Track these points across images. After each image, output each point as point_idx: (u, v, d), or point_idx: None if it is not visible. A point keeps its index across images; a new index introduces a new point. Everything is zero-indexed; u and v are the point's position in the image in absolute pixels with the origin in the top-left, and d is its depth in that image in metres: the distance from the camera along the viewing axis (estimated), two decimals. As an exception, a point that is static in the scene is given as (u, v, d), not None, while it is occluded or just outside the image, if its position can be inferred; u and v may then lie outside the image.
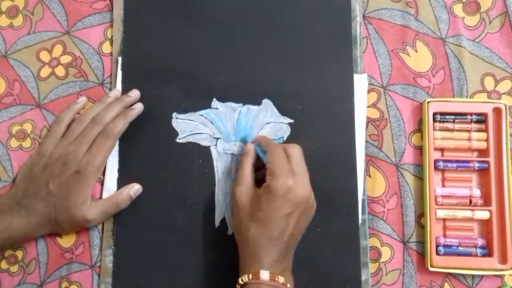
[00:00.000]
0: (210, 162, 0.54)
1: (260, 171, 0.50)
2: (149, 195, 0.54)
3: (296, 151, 0.48)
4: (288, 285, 0.45)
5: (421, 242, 0.53)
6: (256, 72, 0.56)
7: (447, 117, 0.54)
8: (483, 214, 0.52)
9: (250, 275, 0.45)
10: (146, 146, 0.54)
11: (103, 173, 0.54)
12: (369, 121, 0.55)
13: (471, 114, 0.54)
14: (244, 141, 0.54)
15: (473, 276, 0.52)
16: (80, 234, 0.54)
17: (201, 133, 0.55)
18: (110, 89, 0.56)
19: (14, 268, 0.54)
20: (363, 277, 0.52)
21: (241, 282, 0.45)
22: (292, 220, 0.46)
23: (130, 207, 0.53)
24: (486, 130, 0.53)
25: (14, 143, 0.56)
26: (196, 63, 0.56)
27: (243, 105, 0.55)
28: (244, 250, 0.47)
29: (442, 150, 0.54)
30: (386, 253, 0.53)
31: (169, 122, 0.55)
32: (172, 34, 0.56)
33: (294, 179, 0.46)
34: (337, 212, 0.52)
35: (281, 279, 0.45)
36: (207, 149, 0.54)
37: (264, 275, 0.44)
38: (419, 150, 0.55)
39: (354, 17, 0.56)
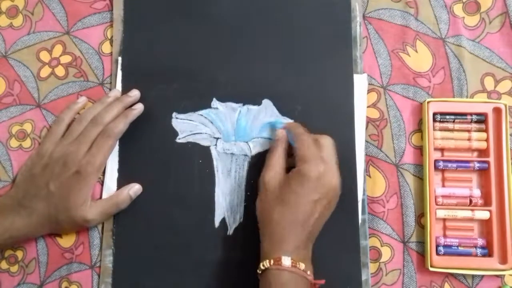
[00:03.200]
0: (210, 162, 0.54)
1: (290, 158, 0.50)
2: (149, 195, 0.54)
3: (328, 141, 0.49)
4: (308, 272, 0.45)
5: (421, 242, 0.53)
6: (256, 72, 0.56)
7: (447, 117, 0.54)
8: (483, 214, 0.52)
9: (272, 261, 0.44)
10: (146, 146, 0.54)
11: (103, 173, 0.54)
12: (369, 121, 0.55)
13: (471, 114, 0.53)
14: (273, 126, 0.54)
15: (473, 276, 0.52)
16: (80, 234, 0.54)
17: (201, 133, 0.55)
18: (110, 89, 0.56)
19: (14, 268, 0.54)
20: (363, 277, 0.52)
21: (263, 268, 0.45)
22: (319, 207, 0.46)
23: (130, 207, 0.53)
24: (486, 130, 0.53)
25: (14, 143, 0.56)
26: (196, 63, 0.56)
27: (243, 105, 0.55)
28: (267, 235, 0.47)
29: (442, 150, 0.54)
30: (386, 253, 0.53)
31: (169, 122, 0.55)
32: (172, 34, 0.57)
33: (325, 166, 0.46)
34: (337, 212, 0.52)
35: (302, 266, 0.44)
36: (207, 149, 0.54)
37: (286, 261, 0.44)
38: (419, 150, 0.55)
39: (354, 17, 0.56)
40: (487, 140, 0.53)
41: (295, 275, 0.44)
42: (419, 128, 0.55)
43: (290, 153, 0.50)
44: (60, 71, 0.57)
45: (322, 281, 0.47)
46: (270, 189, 0.47)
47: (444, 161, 0.53)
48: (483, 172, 0.53)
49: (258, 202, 0.49)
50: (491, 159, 0.53)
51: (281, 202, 0.46)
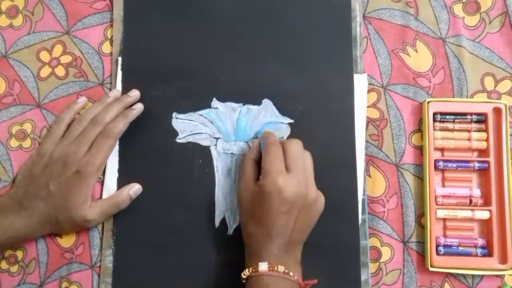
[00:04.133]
0: (210, 162, 0.54)
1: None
2: (149, 195, 0.54)
3: (292, 146, 0.48)
4: (291, 273, 0.45)
5: (421, 242, 0.53)
6: (256, 72, 0.55)
7: (447, 117, 0.54)
8: (483, 214, 0.52)
9: (251, 269, 0.46)
10: (146, 146, 0.54)
11: (103, 173, 0.54)
12: (369, 121, 0.55)
13: (471, 114, 0.53)
14: (255, 137, 0.54)
15: (473, 276, 0.52)
16: (80, 234, 0.54)
17: (201, 133, 0.55)
18: (110, 89, 0.56)
19: (14, 268, 0.54)
20: (363, 277, 0.52)
21: (244, 277, 0.46)
22: (291, 217, 0.46)
23: (130, 207, 0.53)
24: (486, 130, 0.53)
25: (14, 143, 0.56)
26: (196, 63, 0.56)
27: (243, 105, 0.55)
28: (246, 247, 0.48)
29: (442, 150, 0.54)
30: (386, 253, 0.53)
31: (169, 122, 0.55)
32: (172, 34, 0.56)
33: (285, 177, 0.46)
34: (337, 212, 0.52)
35: (281, 268, 0.45)
36: (207, 149, 0.54)
37: (262, 266, 0.45)
38: (419, 150, 0.55)
39: (354, 17, 0.56)
40: (487, 140, 0.53)
41: (274, 278, 0.45)
42: (419, 128, 0.55)
43: None
44: (60, 71, 0.57)
45: (314, 281, 0.47)
46: (242, 203, 0.49)
47: (444, 161, 0.53)
48: (483, 172, 0.53)
49: (239, 214, 0.51)
50: (491, 159, 0.53)
51: (252, 217, 0.47)
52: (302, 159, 0.48)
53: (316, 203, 0.48)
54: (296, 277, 0.46)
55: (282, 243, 0.46)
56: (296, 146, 0.49)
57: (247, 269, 0.46)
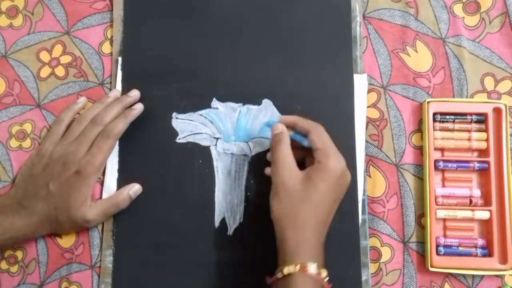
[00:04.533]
0: (210, 162, 0.54)
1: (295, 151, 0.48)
2: (149, 195, 0.54)
3: (322, 130, 0.48)
4: (327, 279, 0.44)
5: (421, 242, 0.53)
6: (256, 72, 0.56)
7: (447, 117, 0.54)
8: (483, 214, 0.52)
9: (298, 266, 0.42)
10: (146, 146, 0.54)
11: (103, 173, 0.54)
12: (369, 121, 0.55)
13: (471, 114, 0.54)
14: (268, 125, 0.51)
15: (473, 276, 0.52)
16: (80, 234, 0.54)
17: (201, 133, 0.55)
18: (110, 89, 0.56)
19: (14, 269, 0.54)
20: (363, 277, 0.52)
21: (286, 272, 0.43)
22: (336, 205, 0.46)
23: (130, 207, 0.53)
24: (486, 130, 0.53)
25: (14, 143, 0.56)
26: (196, 63, 0.56)
27: (243, 105, 0.55)
28: (289, 236, 0.44)
29: (442, 150, 0.54)
30: (386, 253, 0.53)
31: (169, 122, 0.55)
32: (172, 34, 0.57)
33: (344, 162, 0.46)
34: (337, 212, 0.52)
35: (323, 273, 0.43)
36: (207, 149, 0.54)
37: (312, 268, 0.42)
38: (419, 150, 0.55)
39: (354, 17, 0.56)
40: (487, 140, 0.53)
41: (318, 284, 0.43)
42: (419, 128, 0.55)
43: (293, 147, 0.48)
44: (60, 71, 0.57)
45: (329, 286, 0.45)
46: (290, 189, 0.45)
47: (444, 161, 0.53)
48: (483, 172, 0.53)
49: (277, 204, 0.46)
50: (491, 159, 0.53)
51: (307, 200, 0.44)
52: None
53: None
54: (329, 286, 0.44)
55: (321, 235, 0.45)
56: (323, 129, 0.48)
57: (292, 266, 0.42)
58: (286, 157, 0.47)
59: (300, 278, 0.42)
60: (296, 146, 0.48)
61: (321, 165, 0.45)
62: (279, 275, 0.44)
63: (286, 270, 0.43)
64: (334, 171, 0.45)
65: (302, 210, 0.44)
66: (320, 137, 0.47)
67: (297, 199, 0.45)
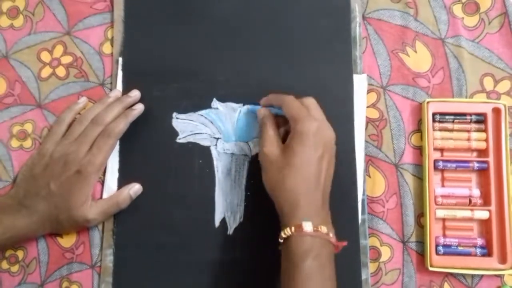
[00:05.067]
0: (210, 162, 0.54)
1: (280, 129, 0.51)
2: (149, 195, 0.54)
3: (311, 101, 0.49)
4: (331, 234, 0.44)
5: (421, 242, 0.53)
6: (256, 72, 0.56)
7: (447, 117, 0.54)
8: (483, 214, 0.52)
9: (293, 228, 0.43)
10: (146, 146, 0.55)
11: (104, 173, 0.54)
12: (369, 121, 0.55)
13: (470, 114, 0.54)
14: (254, 111, 0.54)
15: (472, 276, 0.53)
16: (80, 234, 0.54)
17: (201, 133, 0.55)
18: (111, 90, 0.57)
19: (15, 268, 0.54)
20: (363, 277, 0.52)
21: (284, 236, 0.44)
22: (324, 162, 0.46)
23: (130, 207, 0.53)
24: (485, 130, 0.53)
25: (14, 143, 0.56)
26: (196, 63, 0.56)
27: (243, 105, 0.55)
28: (283, 204, 0.46)
29: (441, 150, 0.54)
30: (385, 253, 0.53)
31: (169, 122, 0.55)
32: (172, 34, 0.57)
33: (318, 121, 0.47)
34: (337, 212, 0.52)
35: (324, 229, 0.44)
36: (207, 149, 0.55)
37: (307, 226, 0.43)
38: (419, 150, 0.55)
39: (354, 17, 0.56)
40: (486, 140, 0.53)
41: (318, 239, 0.43)
42: (419, 128, 0.55)
43: (279, 125, 0.50)
44: (61, 71, 0.57)
45: (345, 243, 0.46)
46: (273, 159, 0.47)
47: (443, 161, 0.53)
48: (483, 172, 0.53)
49: (266, 178, 0.48)
50: (491, 159, 0.53)
51: (288, 167, 0.46)
52: (321, 112, 0.49)
53: (334, 153, 0.48)
54: (334, 239, 0.45)
55: (318, 195, 0.45)
56: (313, 99, 0.49)
57: (287, 228, 0.43)
58: (268, 135, 0.49)
59: (297, 238, 0.43)
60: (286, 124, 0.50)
61: (294, 130, 0.47)
62: (280, 241, 0.45)
63: (283, 234, 0.44)
64: (306, 132, 0.46)
65: (287, 176, 0.45)
66: (289, 108, 0.48)
67: (280, 168, 0.46)
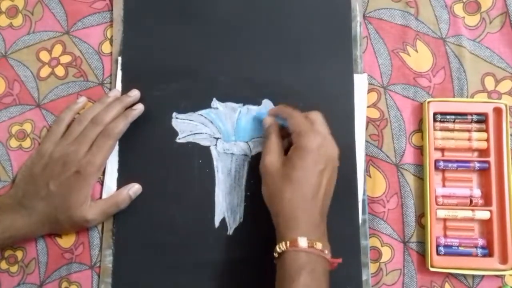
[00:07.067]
0: (210, 162, 0.54)
1: (284, 140, 0.50)
2: (149, 195, 0.54)
3: (317, 115, 0.49)
4: (326, 251, 0.44)
5: (422, 242, 0.53)
6: (256, 72, 0.55)
7: (448, 117, 0.53)
8: (484, 214, 0.52)
9: (288, 243, 0.44)
10: (146, 146, 0.54)
11: (103, 173, 0.54)
12: (369, 121, 0.55)
13: (471, 114, 0.53)
14: (260, 118, 0.53)
15: (473, 276, 0.52)
16: (80, 234, 0.54)
17: (201, 133, 0.55)
18: (110, 89, 0.56)
19: (14, 268, 0.54)
20: (364, 277, 0.52)
21: (279, 251, 0.44)
22: (324, 178, 0.46)
23: (130, 207, 0.53)
24: (486, 130, 0.53)
25: (13, 143, 0.56)
26: (196, 63, 0.56)
27: (243, 105, 0.55)
28: (280, 217, 0.46)
29: (442, 150, 0.54)
30: (386, 253, 0.53)
31: (169, 122, 0.55)
32: (172, 34, 0.56)
33: (321, 137, 0.47)
34: (337, 212, 0.52)
35: (319, 245, 0.44)
36: (207, 149, 0.54)
37: (302, 242, 0.43)
38: (420, 150, 0.55)
39: (354, 17, 0.56)
40: (487, 140, 0.53)
41: (313, 256, 0.44)
42: (420, 128, 0.55)
43: (284, 136, 0.50)
44: (60, 71, 0.57)
45: (339, 260, 0.46)
46: (273, 171, 0.47)
47: (444, 161, 0.53)
48: (484, 172, 0.53)
49: (264, 189, 0.48)
50: (492, 159, 0.53)
51: (288, 180, 0.46)
52: (327, 127, 0.49)
53: (336, 170, 0.48)
54: (329, 255, 0.45)
55: (316, 210, 0.45)
56: (319, 114, 0.49)
57: (283, 243, 0.44)
58: (271, 146, 0.49)
59: (292, 254, 0.43)
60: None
61: (296, 145, 0.47)
62: (275, 255, 0.45)
63: (278, 248, 0.44)
64: (309, 147, 0.46)
65: (286, 189, 0.46)
66: (293, 122, 0.48)
67: (279, 180, 0.46)
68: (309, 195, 0.45)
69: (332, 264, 0.45)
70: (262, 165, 0.48)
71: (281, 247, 0.44)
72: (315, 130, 0.47)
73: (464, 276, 0.52)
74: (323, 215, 0.47)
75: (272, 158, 0.48)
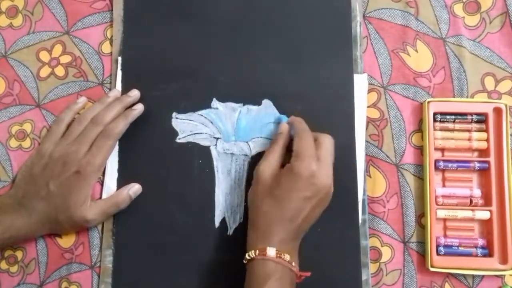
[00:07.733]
0: (210, 162, 0.54)
1: (289, 153, 0.50)
2: (149, 195, 0.54)
3: (327, 140, 0.49)
4: (293, 264, 0.45)
5: (422, 242, 0.53)
6: (256, 72, 0.55)
7: (448, 117, 0.53)
8: (484, 214, 0.52)
9: (257, 251, 0.45)
10: (146, 146, 0.54)
11: (103, 173, 0.54)
12: (369, 121, 0.55)
13: (471, 114, 0.53)
14: (278, 121, 0.53)
15: (473, 276, 0.52)
16: (80, 234, 0.54)
17: (201, 133, 0.55)
18: (110, 89, 0.56)
19: (14, 269, 0.54)
20: (364, 277, 0.52)
21: (248, 258, 0.45)
22: (309, 205, 0.46)
23: (130, 207, 0.53)
24: (486, 130, 0.53)
25: (13, 143, 0.56)
26: (196, 63, 0.56)
27: (243, 105, 0.55)
28: (254, 226, 0.47)
29: (442, 150, 0.54)
30: (386, 253, 0.53)
31: (169, 122, 0.55)
32: (172, 34, 0.56)
33: (318, 165, 0.46)
34: (337, 212, 0.52)
35: (287, 257, 0.45)
36: (207, 149, 0.54)
37: (271, 251, 0.45)
38: (420, 150, 0.55)
39: (354, 17, 0.56)
40: (487, 140, 0.53)
41: (280, 266, 0.45)
42: (420, 128, 0.55)
43: (290, 149, 0.50)
44: (60, 71, 0.57)
45: (308, 273, 0.47)
46: (261, 181, 0.48)
47: (444, 161, 0.53)
48: (484, 172, 0.53)
49: (251, 192, 0.49)
50: (492, 159, 0.53)
51: (270, 195, 0.47)
52: (332, 155, 0.48)
53: (329, 200, 0.48)
54: (296, 268, 0.46)
55: (292, 229, 0.46)
56: (329, 140, 0.49)
57: (252, 251, 0.45)
58: (273, 153, 0.49)
59: (260, 261, 0.45)
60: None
61: (290, 166, 0.47)
62: (244, 261, 0.46)
63: (248, 256, 0.46)
64: (300, 173, 0.46)
65: (265, 202, 0.47)
66: (298, 141, 0.48)
67: (262, 192, 0.47)
68: (286, 216, 0.46)
69: (299, 277, 0.46)
70: (256, 169, 0.49)
71: (250, 254, 0.45)
72: (314, 156, 0.47)
73: (464, 276, 0.52)
74: (299, 234, 0.47)
75: (266, 167, 0.48)
